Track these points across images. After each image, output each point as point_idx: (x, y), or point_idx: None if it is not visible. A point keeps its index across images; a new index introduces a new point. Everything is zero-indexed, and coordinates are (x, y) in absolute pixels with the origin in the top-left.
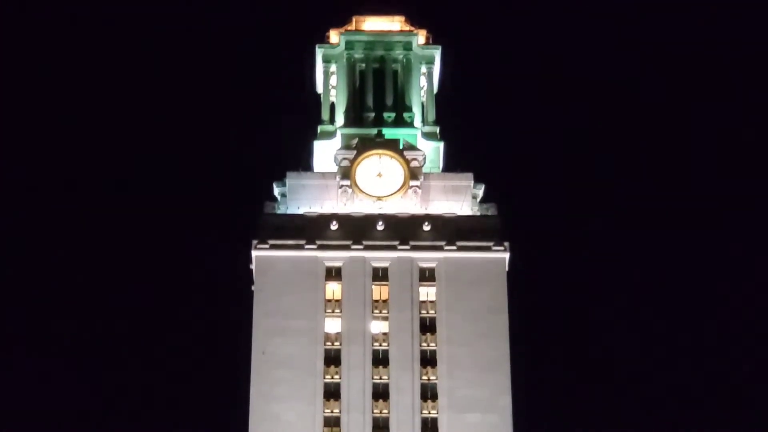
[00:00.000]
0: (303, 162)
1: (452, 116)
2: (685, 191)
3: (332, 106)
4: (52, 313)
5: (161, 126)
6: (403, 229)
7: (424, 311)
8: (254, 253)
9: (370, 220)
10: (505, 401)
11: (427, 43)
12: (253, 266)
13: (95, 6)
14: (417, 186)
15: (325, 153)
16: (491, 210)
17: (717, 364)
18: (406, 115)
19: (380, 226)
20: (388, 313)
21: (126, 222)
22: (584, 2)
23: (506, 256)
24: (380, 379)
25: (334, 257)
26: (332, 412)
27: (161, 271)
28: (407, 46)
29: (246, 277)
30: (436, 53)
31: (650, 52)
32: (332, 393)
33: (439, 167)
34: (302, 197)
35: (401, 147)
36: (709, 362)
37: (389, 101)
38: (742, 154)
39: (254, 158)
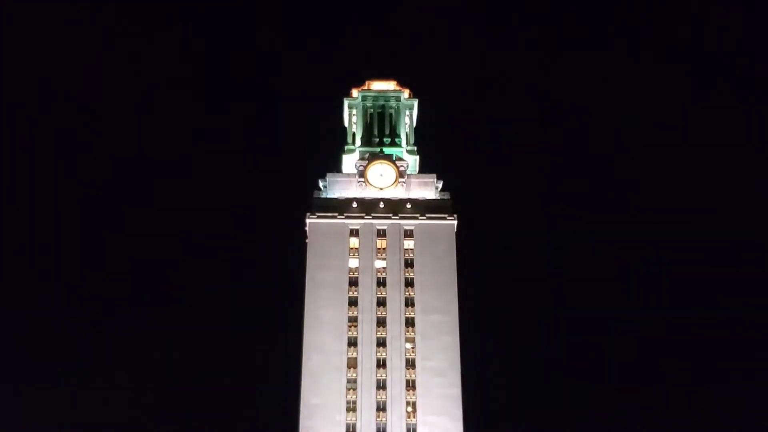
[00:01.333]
0: (337, 167)
1: (424, 140)
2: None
3: (353, 134)
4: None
5: (265, 151)
6: (395, 207)
7: (406, 255)
8: (308, 220)
9: (375, 201)
10: (454, 306)
11: (409, 97)
12: (307, 228)
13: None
14: (403, 181)
15: (350, 162)
16: (446, 196)
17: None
18: (396, 139)
19: (381, 205)
20: (386, 256)
21: (237, 208)
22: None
23: (454, 222)
24: (381, 294)
25: (354, 223)
26: (352, 314)
27: (261, 234)
28: (397, 99)
29: (303, 235)
30: (415, 103)
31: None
32: (352, 303)
33: (416, 170)
34: (336, 188)
35: (394, 159)
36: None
37: (387, 131)
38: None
39: (310, 165)
